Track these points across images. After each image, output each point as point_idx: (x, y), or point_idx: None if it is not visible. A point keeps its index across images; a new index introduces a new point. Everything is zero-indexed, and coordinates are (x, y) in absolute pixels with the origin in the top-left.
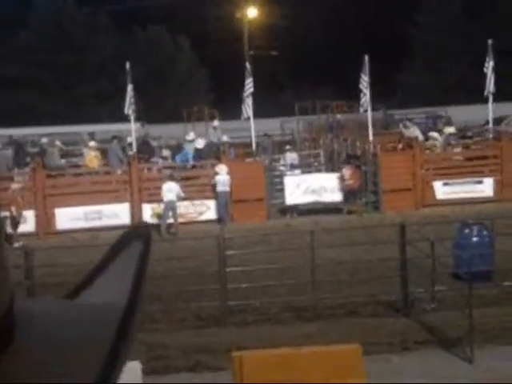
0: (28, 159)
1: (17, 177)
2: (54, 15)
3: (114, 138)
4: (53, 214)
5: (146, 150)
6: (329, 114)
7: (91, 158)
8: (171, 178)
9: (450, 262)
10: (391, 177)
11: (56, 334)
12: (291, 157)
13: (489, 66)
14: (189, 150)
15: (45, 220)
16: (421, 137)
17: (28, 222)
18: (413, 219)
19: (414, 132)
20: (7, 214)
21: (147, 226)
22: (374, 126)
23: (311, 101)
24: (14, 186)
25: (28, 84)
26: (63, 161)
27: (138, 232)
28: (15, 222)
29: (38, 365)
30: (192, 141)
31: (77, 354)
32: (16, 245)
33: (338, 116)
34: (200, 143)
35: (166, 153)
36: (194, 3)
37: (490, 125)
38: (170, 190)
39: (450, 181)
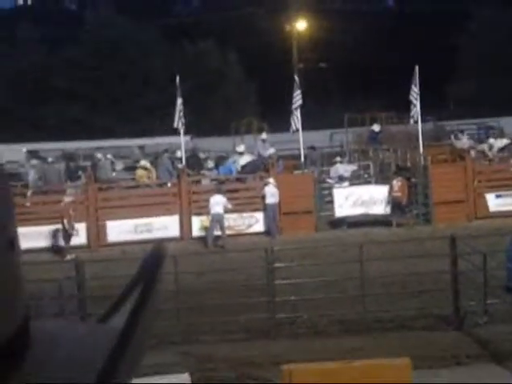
0: (80, 173)
1: (69, 190)
2: (105, 30)
3: (165, 151)
4: (104, 227)
5: (195, 163)
6: (373, 125)
7: (141, 174)
8: (218, 190)
9: (503, 274)
10: (442, 189)
11: (67, 353)
12: (340, 169)
13: None
14: (236, 161)
15: (96, 233)
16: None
17: (80, 235)
18: (465, 232)
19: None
20: (60, 226)
21: (162, 245)
22: (424, 137)
23: (361, 112)
24: (67, 199)
25: (79, 98)
26: (114, 174)
27: (157, 256)
28: (67, 235)
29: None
30: (242, 153)
31: (78, 369)
32: (68, 257)
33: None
34: (244, 159)
35: (210, 164)
36: (242, 17)
37: None
38: (217, 202)
39: (503, 193)
